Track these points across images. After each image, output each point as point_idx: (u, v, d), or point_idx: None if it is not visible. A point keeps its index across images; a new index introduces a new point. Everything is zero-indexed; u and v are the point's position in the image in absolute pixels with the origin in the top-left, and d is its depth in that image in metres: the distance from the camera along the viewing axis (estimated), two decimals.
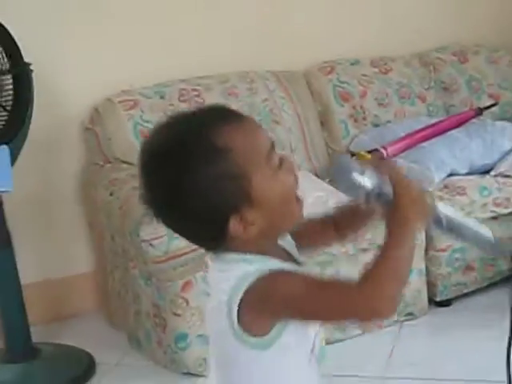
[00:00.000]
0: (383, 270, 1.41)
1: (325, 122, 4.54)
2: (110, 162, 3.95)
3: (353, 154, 4.34)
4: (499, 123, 4.55)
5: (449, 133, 4.31)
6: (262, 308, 1.43)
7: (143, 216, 3.31)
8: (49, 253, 4.12)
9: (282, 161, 1.46)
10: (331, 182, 1.47)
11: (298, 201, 1.50)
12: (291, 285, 1.42)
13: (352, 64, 4.67)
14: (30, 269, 3.78)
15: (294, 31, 4.57)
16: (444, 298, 3.97)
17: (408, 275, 1.49)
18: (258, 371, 1.52)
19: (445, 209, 1.55)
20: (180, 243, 3.25)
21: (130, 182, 3.65)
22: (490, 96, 4.88)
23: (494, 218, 4.00)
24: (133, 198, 3.49)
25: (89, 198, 4.01)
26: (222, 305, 1.44)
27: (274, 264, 1.46)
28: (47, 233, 4.12)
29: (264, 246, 1.49)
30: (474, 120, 4.50)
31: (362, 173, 1.45)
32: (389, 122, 4.57)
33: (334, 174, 1.42)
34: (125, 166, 3.89)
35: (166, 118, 1.51)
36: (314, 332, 1.56)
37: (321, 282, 1.48)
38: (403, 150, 4.16)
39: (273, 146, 1.47)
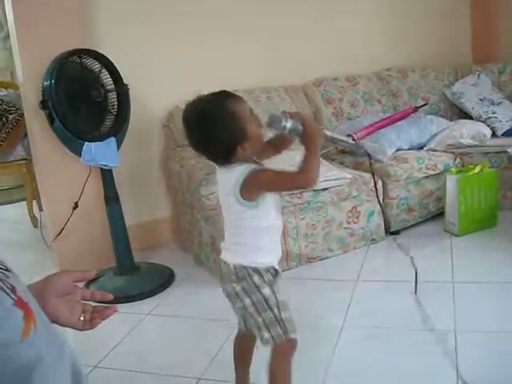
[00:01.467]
0: (309, 165, 1.80)
1: (316, 118, 4.48)
2: (179, 146, 3.93)
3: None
4: (429, 116, 4.49)
5: (396, 123, 4.25)
6: (251, 186, 1.81)
7: (202, 181, 3.28)
8: (143, 204, 4.13)
9: (256, 118, 1.83)
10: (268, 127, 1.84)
11: (263, 138, 1.89)
12: (266, 173, 1.84)
13: (333, 80, 4.62)
14: (131, 215, 3.78)
15: (296, 59, 4.53)
16: (395, 229, 3.94)
17: (319, 165, 1.84)
18: (256, 218, 1.88)
19: (328, 132, 1.94)
20: None
21: (192, 159, 3.64)
22: (423, 99, 4.84)
23: (426, 177, 3.96)
24: (195, 169, 3.47)
25: (167, 169, 3.99)
26: (231, 189, 1.82)
27: (255, 166, 1.84)
28: (141, 192, 4.11)
29: (250, 159, 1.85)
30: (412, 115, 4.44)
31: (286, 119, 1.82)
32: (358, 117, 4.53)
33: (270, 122, 1.85)
34: (189, 148, 3.81)
35: (196, 98, 1.84)
36: (276, 196, 1.95)
37: (281, 171, 1.84)
38: (367, 135, 4.11)
39: (252, 110, 1.83)
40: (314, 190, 3.45)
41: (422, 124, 4.28)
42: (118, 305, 3.22)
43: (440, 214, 4.01)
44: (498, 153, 4.10)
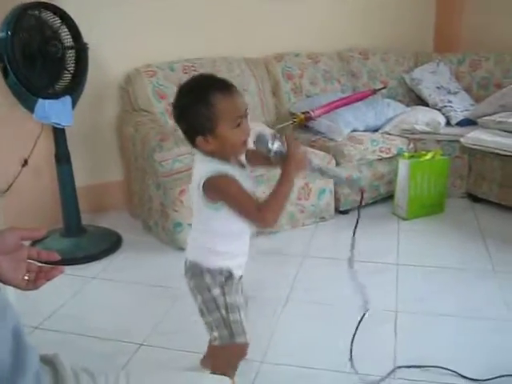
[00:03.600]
0: (274, 200, 1.71)
1: (275, 92, 4.48)
2: (135, 110, 3.88)
3: (292, 114, 4.31)
4: (386, 100, 4.54)
5: (354, 104, 4.28)
6: (210, 190, 1.71)
7: (156, 146, 3.26)
8: (94, 166, 4.07)
9: (240, 124, 1.70)
10: (254, 145, 1.77)
11: (243, 145, 1.75)
12: (227, 184, 1.70)
13: (295, 55, 4.60)
14: (82, 176, 3.74)
15: (259, 33, 4.48)
16: (344, 208, 3.96)
17: (287, 202, 1.75)
18: (216, 221, 1.79)
19: (316, 161, 1.86)
20: (179, 164, 3.21)
21: (148, 124, 3.61)
22: (381, 82, 4.85)
23: (380, 159, 4.00)
24: (149, 134, 3.44)
25: (121, 133, 3.93)
26: (196, 185, 1.73)
27: (225, 168, 1.72)
28: (94, 154, 4.05)
29: (221, 157, 1.74)
30: (370, 97, 4.47)
31: (273, 142, 1.74)
32: (316, 94, 4.52)
33: (256, 140, 1.78)
34: (145, 113, 3.83)
35: (194, 76, 1.80)
36: None
37: (243, 191, 1.70)
38: (324, 113, 4.14)
39: (241, 115, 1.71)
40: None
41: (378, 107, 4.31)
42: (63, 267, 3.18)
43: (389, 197, 4.06)
44: (450, 141, 4.16)
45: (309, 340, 2.53)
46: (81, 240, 3.49)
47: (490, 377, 2.23)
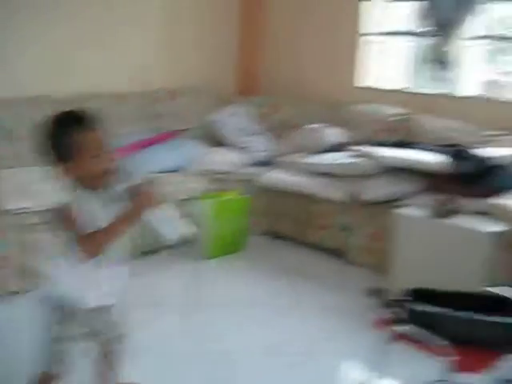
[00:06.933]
0: (101, 238, 1.86)
1: None
2: None
3: None
4: (188, 141, 4.61)
5: (156, 145, 4.31)
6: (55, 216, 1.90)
7: None
8: None
9: (97, 156, 1.87)
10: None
11: (103, 175, 1.91)
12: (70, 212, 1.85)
13: (100, 97, 4.43)
14: None
15: (67, 73, 4.42)
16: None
17: (119, 236, 1.90)
18: None
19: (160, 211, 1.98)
20: None
21: None
22: (185, 124, 4.88)
23: (181, 200, 3.96)
24: None
25: None
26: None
27: (75, 195, 1.88)
28: None
29: (83, 184, 1.89)
30: (172, 138, 4.50)
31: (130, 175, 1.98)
32: (119, 136, 4.40)
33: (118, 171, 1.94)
34: None
35: (57, 113, 1.92)
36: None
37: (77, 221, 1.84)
38: (125, 155, 4.07)
39: (99, 147, 1.89)
40: None
41: (180, 148, 4.37)
42: None
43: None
44: (250, 180, 4.34)
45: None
46: None
47: None
